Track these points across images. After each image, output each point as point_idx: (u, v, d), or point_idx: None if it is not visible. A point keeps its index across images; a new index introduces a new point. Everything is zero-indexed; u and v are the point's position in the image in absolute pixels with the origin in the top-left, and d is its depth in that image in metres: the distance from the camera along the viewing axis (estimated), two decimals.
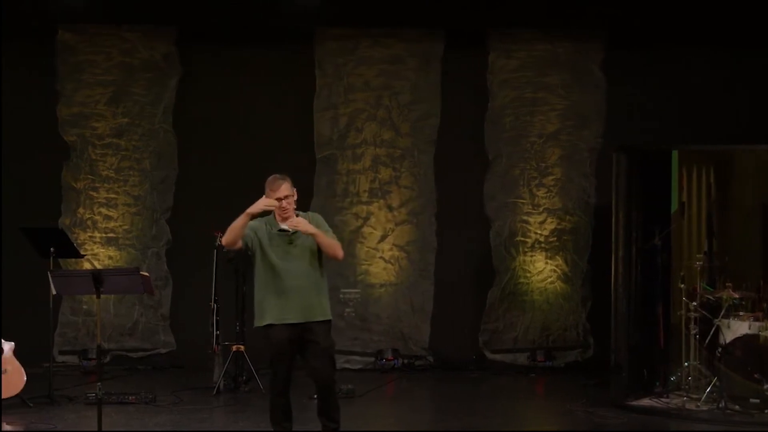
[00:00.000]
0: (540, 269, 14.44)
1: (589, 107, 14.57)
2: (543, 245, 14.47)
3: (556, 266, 14.45)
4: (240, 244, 8.54)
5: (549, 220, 14.49)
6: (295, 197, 8.66)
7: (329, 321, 8.71)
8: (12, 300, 12.21)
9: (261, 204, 8.38)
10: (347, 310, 14.33)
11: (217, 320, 12.22)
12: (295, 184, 8.73)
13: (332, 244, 8.63)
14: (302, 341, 8.56)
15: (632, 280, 12.61)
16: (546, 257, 14.45)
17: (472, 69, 14.62)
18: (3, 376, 10.78)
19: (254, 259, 8.66)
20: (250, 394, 11.97)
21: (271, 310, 8.54)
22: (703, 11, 13.52)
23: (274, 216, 8.61)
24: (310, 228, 8.49)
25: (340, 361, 14.10)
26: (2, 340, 10.91)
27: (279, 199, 8.49)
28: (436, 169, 14.56)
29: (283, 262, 8.53)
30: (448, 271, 14.47)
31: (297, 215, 8.61)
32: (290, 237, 8.54)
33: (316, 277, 8.64)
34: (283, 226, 8.51)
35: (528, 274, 14.44)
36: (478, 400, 12.24)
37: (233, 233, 8.46)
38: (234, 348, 12.28)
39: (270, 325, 8.54)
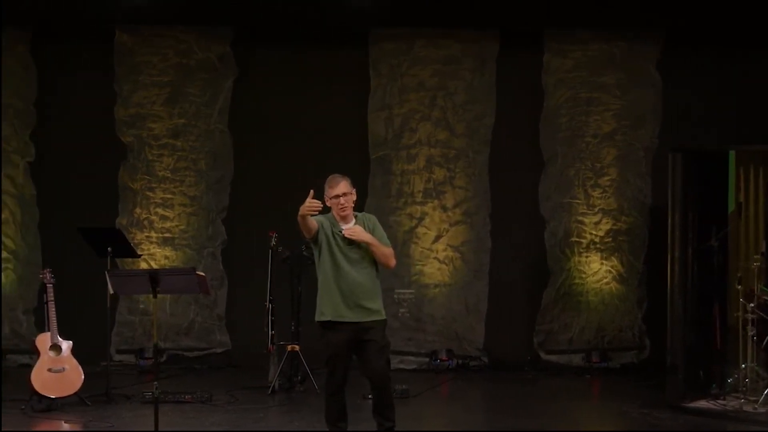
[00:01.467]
0: (595, 270, 14.37)
1: (645, 107, 14.48)
2: (598, 246, 14.40)
3: (612, 267, 14.37)
4: (314, 230, 8.55)
5: (604, 220, 14.42)
6: (354, 197, 8.75)
7: (385, 321, 8.77)
8: (70, 299, 12.30)
9: (303, 209, 8.36)
10: (401, 310, 14.33)
11: (272, 320, 12.25)
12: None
13: (385, 254, 8.68)
14: (359, 341, 8.63)
15: (688, 281, 12.49)
16: (601, 258, 14.38)
17: (527, 69, 14.58)
18: (61, 374, 10.90)
19: (316, 253, 8.72)
20: (305, 394, 12.00)
21: (329, 308, 8.63)
22: (760, 12, 13.39)
23: (333, 215, 8.70)
24: (365, 237, 8.56)
25: (395, 362, 14.08)
26: (61, 339, 11.02)
27: (337, 196, 8.59)
28: (490, 170, 14.53)
29: (342, 261, 8.61)
30: (503, 271, 14.44)
31: (354, 216, 8.73)
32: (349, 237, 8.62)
33: (372, 278, 8.71)
34: (343, 226, 8.59)
35: (583, 275, 14.37)
36: (532, 401, 12.19)
37: (302, 228, 8.50)
38: (289, 348, 12.31)
39: (327, 324, 8.62)
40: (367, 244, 8.56)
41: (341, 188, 8.61)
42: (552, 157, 14.54)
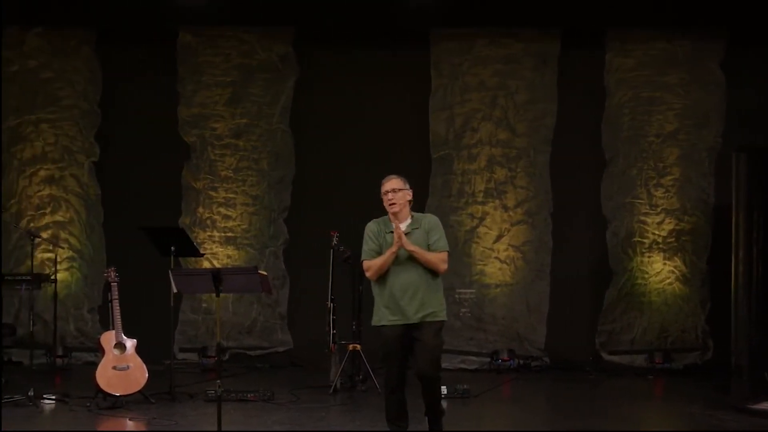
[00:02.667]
0: (658, 270, 14.27)
1: (708, 106, 14.37)
2: (661, 246, 14.30)
3: (675, 267, 14.27)
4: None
5: (667, 220, 14.32)
6: (409, 197, 8.83)
7: (440, 322, 8.77)
8: (134, 298, 12.40)
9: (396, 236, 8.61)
10: (462, 310, 14.33)
11: (333, 319, 12.29)
12: (410, 184, 8.83)
13: (430, 261, 8.69)
14: (412, 340, 8.71)
15: (753, 282, 12.36)
16: (664, 258, 14.28)
17: (589, 68, 14.52)
18: (126, 372, 11.00)
19: None
20: (367, 393, 12.02)
21: (383, 310, 8.76)
22: None
23: (388, 218, 8.81)
24: (408, 246, 8.60)
25: (456, 361, 14.15)
26: (125, 337, 11.12)
27: (386, 192, 8.75)
28: (552, 169, 14.48)
29: (395, 263, 8.68)
30: (564, 271, 14.38)
31: (412, 215, 8.81)
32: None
33: (427, 279, 8.73)
34: (394, 226, 8.69)
35: (646, 275, 14.28)
36: (594, 402, 12.14)
37: (380, 270, 8.73)
38: (350, 347, 12.33)
39: (385, 326, 8.73)
40: (412, 252, 8.63)
41: (391, 184, 8.78)
42: (614, 157, 14.46)
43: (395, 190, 8.75)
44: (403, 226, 8.71)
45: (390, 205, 8.76)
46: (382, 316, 8.77)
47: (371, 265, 8.73)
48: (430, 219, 8.89)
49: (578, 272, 14.44)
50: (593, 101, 14.47)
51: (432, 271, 8.74)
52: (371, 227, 8.87)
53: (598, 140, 14.47)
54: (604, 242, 14.43)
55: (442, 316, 8.78)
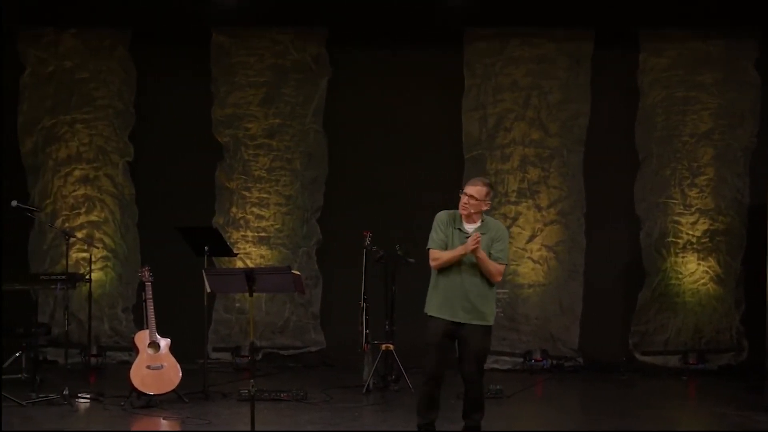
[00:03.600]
0: (692, 270, 14.20)
1: (743, 106, 14.29)
2: (695, 246, 14.24)
3: (709, 267, 14.20)
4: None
5: (701, 220, 14.25)
6: (483, 206, 8.98)
7: (486, 326, 8.93)
8: (168, 298, 12.45)
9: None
10: (495, 310, 14.27)
11: (366, 319, 12.31)
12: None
13: (490, 271, 8.86)
14: (457, 338, 8.89)
15: None
16: (698, 258, 14.21)
17: (623, 68, 14.47)
18: (160, 371, 11.05)
19: None
20: (400, 393, 12.03)
21: (434, 303, 8.96)
22: None
23: (460, 213, 9.01)
24: (479, 253, 8.75)
25: (489, 361, 14.04)
26: (159, 337, 11.17)
27: (464, 194, 8.92)
28: (585, 169, 14.45)
29: (458, 263, 8.87)
30: (598, 271, 14.34)
31: (482, 220, 9.00)
32: (468, 240, 8.81)
33: (483, 285, 8.89)
34: (467, 227, 8.90)
35: (680, 276, 14.22)
36: (628, 403, 12.09)
37: (445, 265, 8.93)
38: (383, 347, 12.35)
39: (433, 316, 8.94)
40: (477, 258, 8.78)
41: (469, 190, 8.94)
42: (647, 157, 14.41)
43: (473, 197, 8.91)
44: (471, 228, 8.92)
45: (462, 207, 8.95)
46: (432, 307, 8.99)
47: (439, 256, 8.91)
48: (498, 228, 9.04)
49: (611, 272, 14.40)
50: (627, 101, 14.42)
51: (487, 279, 8.89)
52: (442, 217, 9.06)
53: (631, 140, 14.43)
54: (637, 242, 14.38)
55: (491, 321, 8.97)
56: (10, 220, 12.59)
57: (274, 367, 14.03)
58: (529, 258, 14.40)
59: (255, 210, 14.67)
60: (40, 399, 11.11)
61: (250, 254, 14.57)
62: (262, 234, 14.66)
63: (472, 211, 8.91)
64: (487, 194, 8.97)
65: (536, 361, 13.96)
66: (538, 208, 14.46)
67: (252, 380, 8.55)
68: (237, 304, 14.52)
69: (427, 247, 9.04)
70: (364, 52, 14.71)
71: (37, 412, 10.72)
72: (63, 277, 12.09)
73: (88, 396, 11.44)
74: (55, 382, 11.69)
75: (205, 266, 11.58)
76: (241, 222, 14.67)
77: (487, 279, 8.87)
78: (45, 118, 14.65)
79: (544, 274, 14.39)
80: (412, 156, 14.19)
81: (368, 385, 12.05)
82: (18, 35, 14.60)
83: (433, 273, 9.04)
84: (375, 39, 14.53)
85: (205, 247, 11.75)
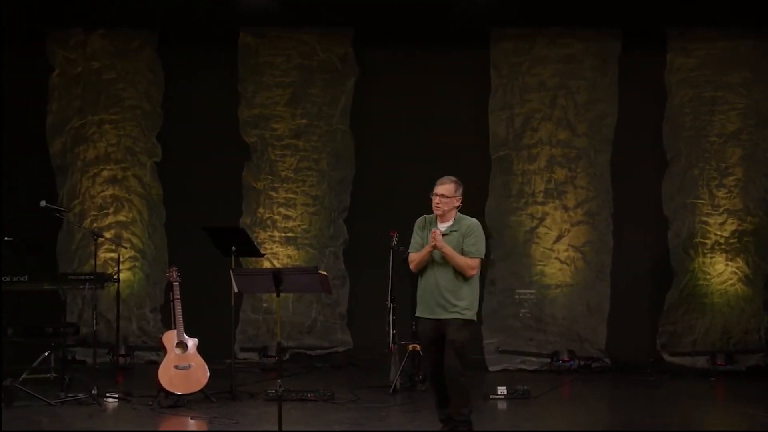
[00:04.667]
0: (720, 271, 14.14)
1: None
2: (723, 247, 14.17)
3: (737, 268, 14.14)
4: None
5: (729, 221, 14.19)
6: (457, 203, 9.17)
7: (462, 320, 9.03)
8: (196, 298, 12.49)
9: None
10: (522, 310, 14.29)
11: (393, 319, 12.30)
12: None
13: (460, 265, 9.00)
14: (440, 335, 9.06)
15: None
16: (726, 259, 14.15)
17: (650, 68, 14.44)
18: (187, 371, 11.08)
19: None
20: (427, 393, 11.93)
21: (418, 304, 9.22)
22: None
23: (435, 217, 9.23)
24: (443, 248, 8.94)
25: (516, 362, 14.13)
26: (187, 337, 11.20)
27: (435, 195, 9.13)
28: (612, 169, 14.41)
29: (433, 261, 9.08)
30: (625, 272, 14.31)
31: (455, 219, 9.16)
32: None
33: (455, 279, 9.03)
34: (440, 227, 9.10)
35: (708, 276, 14.16)
36: (656, 403, 12.03)
37: (419, 265, 9.16)
38: (410, 347, 12.34)
39: (418, 317, 9.22)
40: (444, 253, 8.97)
41: (439, 189, 9.15)
42: (675, 157, 14.36)
43: (444, 196, 9.12)
44: (443, 227, 9.12)
45: (435, 207, 9.16)
46: (417, 308, 9.25)
47: (412, 259, 9.21)
48: (469, 224, 9.17)
49: (639, 273, 14.37)
50: (654, 101, 14.38)
51: (461, 274, 9.02)
52: (419, 222, 9.34)
53: (659, 140, 14.38)
54: (665, 243, 14.33)
55: (468, 315, 9.07)
56: (38, 221, 12.61)
57: (301, 368, 14.04)
58: (556, 258, 14.36)
59: (282, 210, 14.70)
60: (69, 398, 11.16)
61: (277, 254, 14.60)
62: (289, 234, 14.68)
63: (445, 209, 9.11)
64: (456, 190, 9.15)
65: (563, 361, 13.93)
66: (565, 209, 14.43)
67: (279, 380, 8.57)
68: (264, 305, 14.55)
69: (407, 251, 9.34)
70: (390, 52, 14.73)
71: (65, 412, 10.77)
72: (91, 277, 12.16)
73: (117, 396, 11.48)
74: (84, 382, 11.73)
75: (233, 266, 11.59)
76: (268, 222, 14.70)
77: (461, 275, 8.99)
78: (74, 118, 14.73)
79: (571, 274, 14.36)
80: (439, 156, 14.17)
81: (395, 385, 12.05)
82: (47, 36, 14.67)
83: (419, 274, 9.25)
84: (401, 39, 14.55)
85: (232, 248, 11.75)
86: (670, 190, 14.36)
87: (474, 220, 9.19)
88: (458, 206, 9.19)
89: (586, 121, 14.48)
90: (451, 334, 8.98)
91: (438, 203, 9.11)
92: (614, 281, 14.32)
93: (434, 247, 8.93)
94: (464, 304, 9.00)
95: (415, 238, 9.25)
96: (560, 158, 14.48)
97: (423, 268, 9.13)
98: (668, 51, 14.41)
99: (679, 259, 14.27)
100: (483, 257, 9.10)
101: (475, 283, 9.13)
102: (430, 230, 9.09)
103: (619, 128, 14.41)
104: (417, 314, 9.25)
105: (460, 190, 9.18)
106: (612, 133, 14.43)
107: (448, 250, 8.92)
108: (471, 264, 9.00)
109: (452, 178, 9.21)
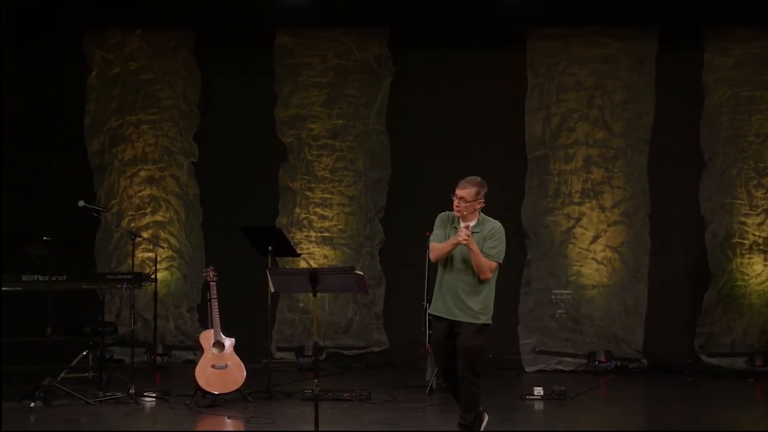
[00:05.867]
0: (758, 272, 14.06)
1: None
2: (762, 247, 14.09)
3: None
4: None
5: None
6: (478, 206, 9.02)
7: (478, 324, 8.93)
8: (232, 297, 12.54)
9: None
10: (559, 311, 14.25)
11: (429, 319, 12.25)
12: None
13: (480, 265, 8.86)
14: (453, 336, 8.96)
15: None
16: (765, 259, 14.06)
17: (687, 67, 14.36)
18: (224, 371, 11.12)
19: None
20: None
21: (434, 302, 9.10)
22: None
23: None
24: (471, 245, 8.78)
25: (552, 362, 14.09)
26: (224, 336, 11.24)
27: (456, 197, 9.00)
28: (649, 169, 14.35)
29: (451, 259, 8.98)
30: (662, 272, 14.24)
31: (479, 220, 9.04)
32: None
33: (474, 282, 8.93)
34: (462, 225, 8.94)
35: (746, 277, 14.08)
36: (693, 405, 11.98)
37: (440, 255, 9.00)
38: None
39: (431, 316, 9.16)
40: (470, 251, 8.82)
41: (460, 192, 9.00)
42: (713, 157, 14.29)
43: (464, 199, 8.97)
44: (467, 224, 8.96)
45: (455, 209, 9.03)
46: (432, 306, 9.15)
47: (434, 247, 9.04)
48: (493, 226, 9.05)
49: (676, 273, 14.30)
50: (692, 101, 14.31)
51: (479, 278, 8.93)
52: (441, 216, 9.19)
53: (696, 140, 14.31)
54: (702, 243, 14.26)
55: (484, 319, 8.96)
56: (77, 220, 12.69)
57: (337, 367, 14.08)
58: (593, 259, 14.32)
59: (318, 210, 14.72)
60: (107, 397, 11.24)
61: (313, 254, 14.63)
62: (326, 234, 14.71)
63: (465, 212, 8.98)
64: (477, 194, 8.98)
65: (600, 362, 13.88)
66: (602, 209, 14.38)
67: (316, 380, 8.56)
68: (300, 304, 14.58)
69: (429, 242, 9.18)
70: (426, 52, 14.72)
71: (104, 411, 10.84)
72: (129, 276, 12.22)
73: (154, 395, 11.55)
74: (122, 381, 11.81)
75: (269, 266, 11.62)
76: (305, 222, 14.72)
77: (479, 278, 8.88)
78: (111, 119, 14.81)
79: (608, 275, 14.31)
80: (475, 156, 14.16)
81: (431, 385, 12.05)
82: (84, 37, 14.76)
83: (437, 273, 9.14)
84: (438, 39, 14.54)
85: (269, 247, 11.79)
86: (708, 190, 14.28)
87: (498, 223, 9.07)
88: (480, 208, 9.06)
89: (623, 121, 14.42)
90: (466, 340, 8.88)
91: (458, 205, 8.99)
92: (651, 282, 14.26)
93: (458, 242, 8.78)
94: (478, 307, 8.90)
95: (438, 229, 9.10)
96: (597, 158, 14.44)
97: (443, 268, 9.02)
98: (706, 50, 14.33)
99: (717, 260, 14.19)
100: (501, 262, 9.00)
101: (492, 287, 9.02)
102: (453, 227, 9.00)
103: (656, 128, 14.35)
104: (431, 311, 9.14)
105: (483, 192, 9.02)
106: (649, 133, 14.37)
107: (475, 248, 8.79)
108: (491, 266, 8.90)
109: (475, 180, 9.04)
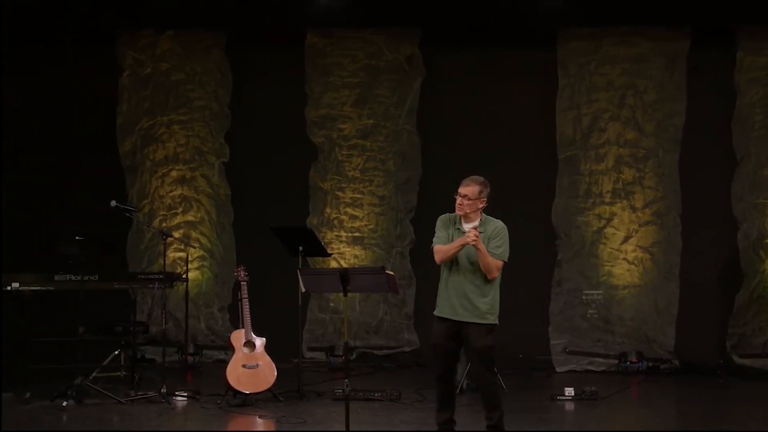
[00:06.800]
0: None
1: None
2: None
3: None
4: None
5: None
6: (480, 205, 9.02)
7: (485, 325, 8.92)
8: (263, 297, 12.57)
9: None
10: (590, 311, 14.21)
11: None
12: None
13: (488, 264, 8.85)
14: (460, 338, 8.96)
15: None
16: None
17: (719, 67, 14.32)
18: (255, 370, 11.15)
19: None
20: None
21: (439, 303, 9.08)
22: None
23: (459, 217, 9.09)
24: (479, 244, 8.78)
25: (583, 363, 14.05)
26: (255, 336, 11.27)
27: (458, 195, 8.99)
28: (681, 169, 14.30)
29: (456, 260, 8.97)
30: (694, 273, 14.19)
31: (481, 219, 9.03)
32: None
33: (481, 283, 8.93)
34: (465, 227, 8.96)
35: None
36: (725, 406, 11.93)
37: (446, 257, 8.99)
38: None
39: (437, 317, 9.08)
40: (477, 250, 8.81)
41: (463, 190, 9.02)
42: (745, 157, 14.22)
43: (467, 197, 8.98)
44: (469, 227, 8.96)
45: (458, 207, 9.02)
46: (437, 307, 9.11)
47: (439, 249, 9.02)
48: (496, 226, 9.05)
49: (708, 274, 14.24)
50: (723, 100, 14.26)
51: (486, 276, 8.91)
52: (442, 218, 9.19)
53: (728, 140, 14.25)
54: (734, 244, 14.20)
55: (492, 319, 8.96)
56: (109, 220, 12.75)
57: (368, 367, 14.10)
58: (624, 259, 14.28)
59: (349, 210, 14.74)
60: (139, 397, 11.30)
61: (344, 254, 14.64)
62: (356, 234, 14.72)
63: (467, 210, 8.97)
64: (480, 192, 9.00)
65: (631, 363, 13.84)
66: (633, 209, 14.34)
67: (346, 380, 8.58)
68: (331, 304, 14.60)
69: (432, 245, 9.15)
70: (456, 53, 14.72)
71: (135, 410, 10.89)
72: (160, 276, 12.29)
73: (186, 394, 11.59)
74: (153, 380, 11.88)
75: (300, 266, 11.65)
76: (335, 222, 14.74)
77: (483, 277, 8.88)
78: (143, 119, 14.87)
79: (639, 275, 14.26)
80: (506, 156, 14.17)
81: (461, 385, 12.03)
82: (116, 38, 14.83)
83: (441, 275, 9.13)
84: (468, 39, 14.54)
85: (300, 247, 11.82)
86: (740, 190, 14.22)
87: (500, 222, 9.07)
88: (482, 207, 9.07)
89: (654, 121, 14.38)
90: (476, 342, 8.89)
91: (460, 204, 8.99)
92: (683, 282, 14.20)
93: (466, 243, 8.77)
94: (485, 307, 8.90)
95: (441, 231, 9.11)
96: (628, 158, 14.39)
97: (448, 270, 9.02)
98: (738, 49, 14.27)
99: (749, 260, 14.13)
100: (506, 261, 9.00)
101: (497, 286, 9.02)
102: (455, 228, 9.01)
103: (687, 128, 14.29)
104: (436, 313, 9.10)
105: (485, 192, 9.03)
106: (680, 133, 14.32)
107: (483, 248, 8.79)
108: (497, 265, 8.90)
109: (478, 179, 9.07)
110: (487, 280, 8.91)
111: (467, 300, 8.89)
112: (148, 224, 14.01)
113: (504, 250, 8.97)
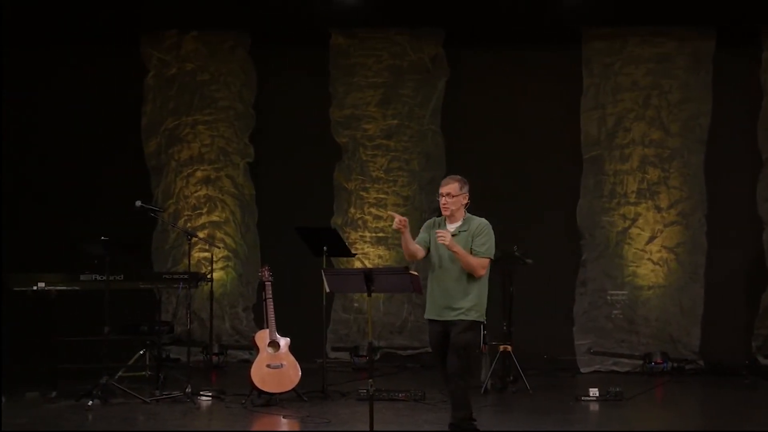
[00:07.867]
0: None
1: None
2: None
3: None
4: (420, 254, 9.24)
5: None
6: (464, 201, 9.10)
7: (467, 321, 8.94)
8: (287, 297, 12.59)
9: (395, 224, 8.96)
10: (615, 312, 14.18)
11: (483, 323, 12.26)
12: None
13: (470, 264, 8.91)
14: (447, 337, 9.00)
15: None
16: None
17: (745, 67, 14.26)
18: (279, 370, 11.17)
19: None
20: (518, 395, 11.97)
21: (427, 304, 9.20)
22: None
23: (445, 218, 9.15)
24: (452, 246, 8.83)
25: (608, 363, 14.02)
26: (279, 336, 11.29)
27: (441, 195, 9.07)
28: (706, 170, 14.25)
29: (439, 261, 9.07)
30: (719, 273, 14.13)
31: (465, 219, 9.10)
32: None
33: (462, 280, 8.96)
34: (449, 227, 9.05)
35: None
36: (751, 407, 11.88)
37: (405, 251, 9.19)
38: (501, 348, 12.31)
39: (428, 319, 9.20)
40: (454, 252, 8.88)
41: (445, 188, 9.09)
42: None
43: (450, 195, 9.04)
44: (452, 228, 9.05)
45: (442, 208, 9.08)
46: (426, 310, 9.25)
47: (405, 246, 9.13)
48: (479, 224, 9.09)
49: (733, 274, 14.17)
50: (749, 100, 14.20)
51: (470, 274, 8.93)
52: (428, 222, 9.35)
53: (754, 140, 14.20)
54: (760, 244, 14.14)
55: (473, 316, 8.98)
56: (134, 220, 12.78)
57: (392, 367, 14.10)
58: (648, 259, 14.24)
59: (373, 210, 14.75)
60: (164, 396, 11.34)
61: (368, 254, 14.65)
62: (380, 234, 14.73)
63: (452, 208, 9.04)
64: (461, 188, 9.08)
65: (656, 363, 13.79)
66: (658, 209, 14.29)
67: (370, 380, 8.59)
68: (355, 304, 14.61)
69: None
70: (481, 52, 14.70)
71: (160, 409, 10.93)
72: (185, 276, 12.33)
73: (210, 394, 11.63)
74: (178, 380, 11.91)
75: (324, 266, 11.66)
76: (359, 222, 14.75)
77: (469, 275, 8.90)
78: (168, 119, 14.92)
79: (664, 275, 14.22)
80: (530, 156, 14.15)
81: (486, 386, 12.03)
82: (141, 38, 14.89)
83: (429, 276, 9.17)
84: (492, 39, 14.51)
85: (324, 248, 11.83)
86: (765, 190, 14.16)
87: (483, 220, 9.11)
88: (466, 204, 9.12)
89: (680, 121, 14.33)
90: (455, 336, 8.92)
91: (445, 203, 9.04)
92: (708, 282, 14.15)
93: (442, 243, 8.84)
94: (469, 305, 8.92)
95: (422, 233, 9.23)
96: (653, 158, 14.35)
97: (432, 270, 9.10)
98: (764, 49, 14.21)
99: None
100: (492, 257, 9.02)
101: (484, 284, 9.04)
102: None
103: (713, 128, 14.25)
104: (426, 316, 9.21)
105: (466, 188, 9.11)
106: (706, 133, 14.27)
107: (459, 249, 8.84)
108: (482, 263, 8.93)
109: (456, 176, 9.15)
110: (473, 278, 8.94)
111: (451, 299, 8.95)
112: (173, 224, 14.06)
113: (488, 247, 9.00)
